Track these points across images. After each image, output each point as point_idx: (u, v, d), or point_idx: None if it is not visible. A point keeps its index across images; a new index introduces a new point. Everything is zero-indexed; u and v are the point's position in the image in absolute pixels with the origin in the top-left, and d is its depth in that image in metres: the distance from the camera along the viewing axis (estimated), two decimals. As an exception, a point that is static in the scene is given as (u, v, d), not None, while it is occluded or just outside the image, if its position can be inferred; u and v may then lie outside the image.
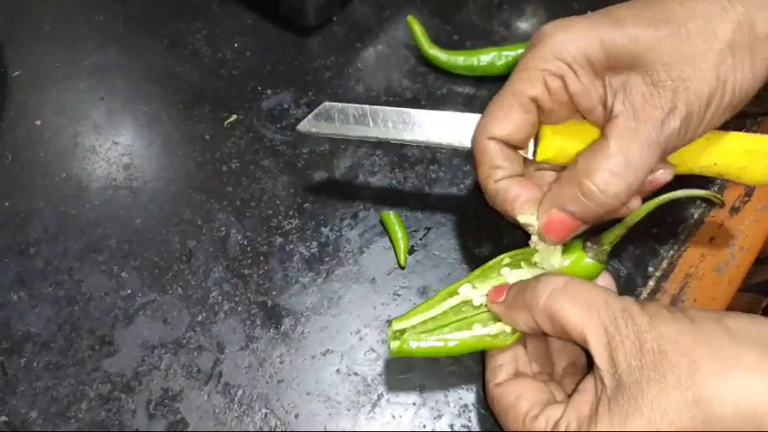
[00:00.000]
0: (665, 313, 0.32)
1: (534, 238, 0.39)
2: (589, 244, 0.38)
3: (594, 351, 0.33)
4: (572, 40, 0.36)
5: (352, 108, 0.42)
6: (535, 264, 0.40)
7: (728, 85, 0.35)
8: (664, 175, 0.38)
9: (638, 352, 0.31)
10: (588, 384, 0.34)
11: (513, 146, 0.39)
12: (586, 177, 0.36)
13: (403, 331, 0.38)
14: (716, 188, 0.48)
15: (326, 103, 0.42)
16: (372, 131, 0.42)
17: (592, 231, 0.39)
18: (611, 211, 0.37)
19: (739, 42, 0.35)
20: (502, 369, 0.39)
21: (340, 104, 0.42)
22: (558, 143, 0.39)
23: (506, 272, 0.40)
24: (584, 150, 0.37)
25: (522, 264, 0.40)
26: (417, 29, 0.52)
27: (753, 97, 0.37)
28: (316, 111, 0.42)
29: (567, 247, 0.39)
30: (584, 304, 0.34)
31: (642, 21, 0.36)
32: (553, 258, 0.39)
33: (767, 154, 0.39)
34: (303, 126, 0.42)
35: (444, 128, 0.42)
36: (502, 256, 0.40)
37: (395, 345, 0.38)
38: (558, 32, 0.37)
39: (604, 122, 0.37)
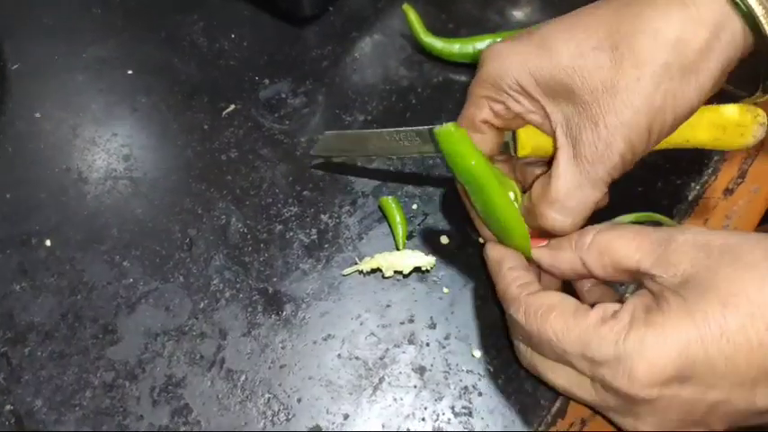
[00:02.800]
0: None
1: None
2: None
3: (653, 269, 0.32)
4: (505, 69, 0.37)
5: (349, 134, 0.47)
6: None
7: (668, 110, 0.33)
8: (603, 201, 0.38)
9: (702, 251, 0.31)
10: (642, 292, 0.33)
11: (491, 157, 0.41)
12: (539, 215, 0.37)
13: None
14: (709, 170, 0.49)
15: (326, 133, 0.47)
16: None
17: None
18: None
19: (675, 63, 0.33)
20: (530, 285, 0.37)
21: (337, 132, 0.48)
22: (533, 141, 0.40)
23: None
24: (538, 182, 0.38)
25: None
26: (413, 17, 0.53)
27: (733, 77, 0.36)
28: (318, 145, 0.48)
29: None
30: (632, 234, 0.34)
31: (571, 47, 0.35)
32: None
33: (737, 123, 0.38)
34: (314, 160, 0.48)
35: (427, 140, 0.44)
36: None
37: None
38: (493, 60, 0.37)
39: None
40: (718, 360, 0.29)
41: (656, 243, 0.33)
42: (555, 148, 0.37)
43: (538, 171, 0.42)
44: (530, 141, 0.40)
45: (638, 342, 0.30)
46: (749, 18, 0.33)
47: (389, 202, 0.46)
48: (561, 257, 0.37)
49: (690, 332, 0.29)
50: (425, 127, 0.43)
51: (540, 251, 0.39)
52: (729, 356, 0.29)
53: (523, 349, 0.38)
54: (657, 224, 0.38)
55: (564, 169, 0.36)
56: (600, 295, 0.40)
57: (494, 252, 0.41)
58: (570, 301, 0.35)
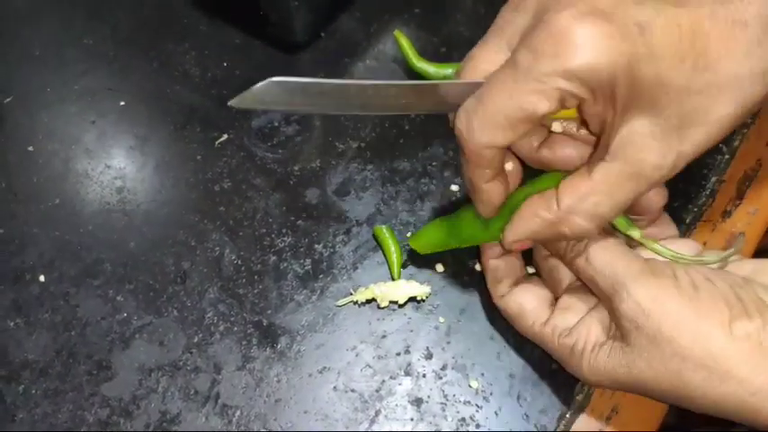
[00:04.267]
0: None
1: None
2: None
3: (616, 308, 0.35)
4: (605, 65, 0.29)
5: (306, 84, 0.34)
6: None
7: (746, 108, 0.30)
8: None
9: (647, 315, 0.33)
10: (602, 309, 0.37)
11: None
12: (566, 219, 0.34)
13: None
14: (707, 192, 0.48)
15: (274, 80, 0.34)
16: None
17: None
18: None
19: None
20: (503, 281, 0.42)
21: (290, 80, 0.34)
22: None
23: None
24: (569, 180, 0.34)
25: None
26: (404, 42, 0.53)
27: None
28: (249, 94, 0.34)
29: None
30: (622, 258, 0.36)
31: (672, 49, 0.29)
32: None
33: None
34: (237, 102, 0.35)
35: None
36: None
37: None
38: (588, 45, 0.29)
39: (600, 141, 0.33)
40: (652, 391, 0.34)
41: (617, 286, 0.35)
42: (602, 147, 0.32)
43: (569, 150, 0.36)
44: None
45: (576, 366, 0.37)
46: None
47: (383, 231, 0.46)
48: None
49: (624, 374, 0.34)
50: (428, 82, 0.36)
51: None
52: (661, 391, 0.34)
53: None
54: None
55: (608, 177, 0.32)
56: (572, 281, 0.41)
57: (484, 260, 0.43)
58: (530, 310, 0.40)
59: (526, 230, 0.36)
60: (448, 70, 0.52)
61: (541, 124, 0.36)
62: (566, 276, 0.40)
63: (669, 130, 0.30)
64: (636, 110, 0.31)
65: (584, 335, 0.36)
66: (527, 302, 0.40)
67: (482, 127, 0.32)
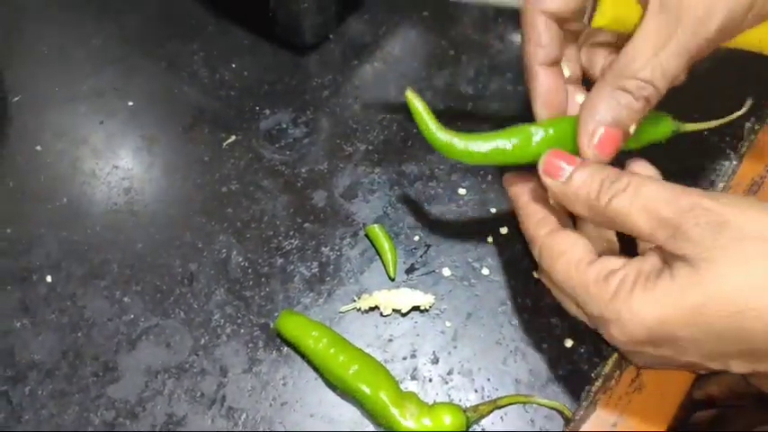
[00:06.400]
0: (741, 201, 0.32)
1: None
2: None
3: (666, 244, 0.32)
4: None
5: None
6: None
7: None
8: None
9: (713, 228, 0.31)
10: (651, 254, 0.34)
11: (565, 19, 0.39)
12: (621, 83, 0.35)
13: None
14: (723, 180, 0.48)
15: None
16: None
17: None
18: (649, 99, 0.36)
19: None
20: (547, 221, 0.38)
21: None
22: (614, 11, 0.37)
23: None
24: (624, 50, 0.35)
25: None
26: (419, 107, 0.39)
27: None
28: None
29: None
30: (649, 206, 0.33)
31: None
32: None
33: None
34: None
35: None
36: None
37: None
38: None
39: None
40: (693, 335, 0.31)
41: (673, 222, 0.32)
42: (643, 14, 0.35)
43: (605, 56, 0.41)
44: (611, 10, 0.37)
45: (615, 312, 0.32)
46: None
47: (376, 231, 0.46)
48: (573, 205, 0.36)
49: (672, 304, 0.31)
50: None
51: (554, 185, 0.36)
52: (706, 332, 0.30)
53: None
54: None
55: (649, 29, 0.34)
56: (602, 244, 0.41)
57: (510, 184, 0.42)
58: (578, 248, 0.36)
59: (608, 110, 0.35)
60: (482, 145, 0.39)
61: None
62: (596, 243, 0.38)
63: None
64: None
65: (635, 269, 0.33)
66: (572, 242, 0.36)
67: None
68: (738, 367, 0.33)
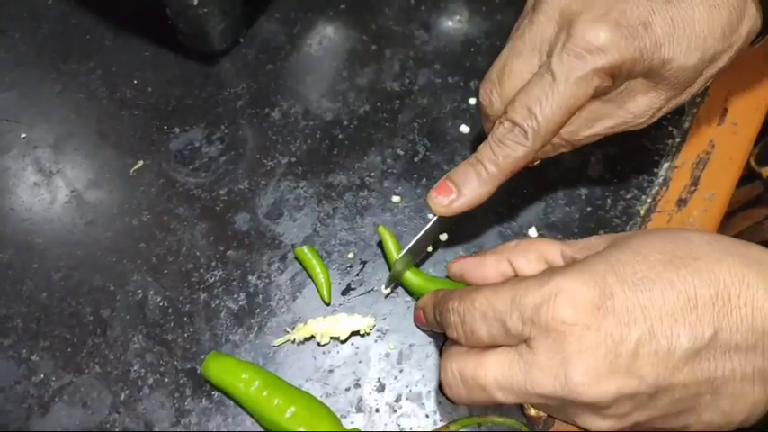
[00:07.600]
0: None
1: None
2: None
3: (576, 255, 0.35)
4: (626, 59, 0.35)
5: None
6: None
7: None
8: None
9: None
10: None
11: None
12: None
13: None
14: (660, 180, 0.46)
15: None
16: None
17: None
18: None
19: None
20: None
21: None
22: None
23: None
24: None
25: None
26: (390, 242, 0.42)
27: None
28: None
29: None
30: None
31: (668, 23, 0.34)
32: None
33: None
34: None
35: None
36: None
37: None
38: (611, 47, 0.34)
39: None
40: (635, 292, 0.30)
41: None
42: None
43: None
44: None
45: (557, 282, 0.31)
46: None
47: (305, 252, 0.42)
48: (486, 261, 0.37)
49: (606, 269, 0.31)
50: None
51: (464, 261, 0.39)
52: (645, 291, 0.30)
53: (452, 373, 0.34)
54: None
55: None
56: None
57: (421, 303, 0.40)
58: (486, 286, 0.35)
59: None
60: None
61: None
62: None
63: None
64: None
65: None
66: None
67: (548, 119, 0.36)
68: (687, 339, 0.30)
